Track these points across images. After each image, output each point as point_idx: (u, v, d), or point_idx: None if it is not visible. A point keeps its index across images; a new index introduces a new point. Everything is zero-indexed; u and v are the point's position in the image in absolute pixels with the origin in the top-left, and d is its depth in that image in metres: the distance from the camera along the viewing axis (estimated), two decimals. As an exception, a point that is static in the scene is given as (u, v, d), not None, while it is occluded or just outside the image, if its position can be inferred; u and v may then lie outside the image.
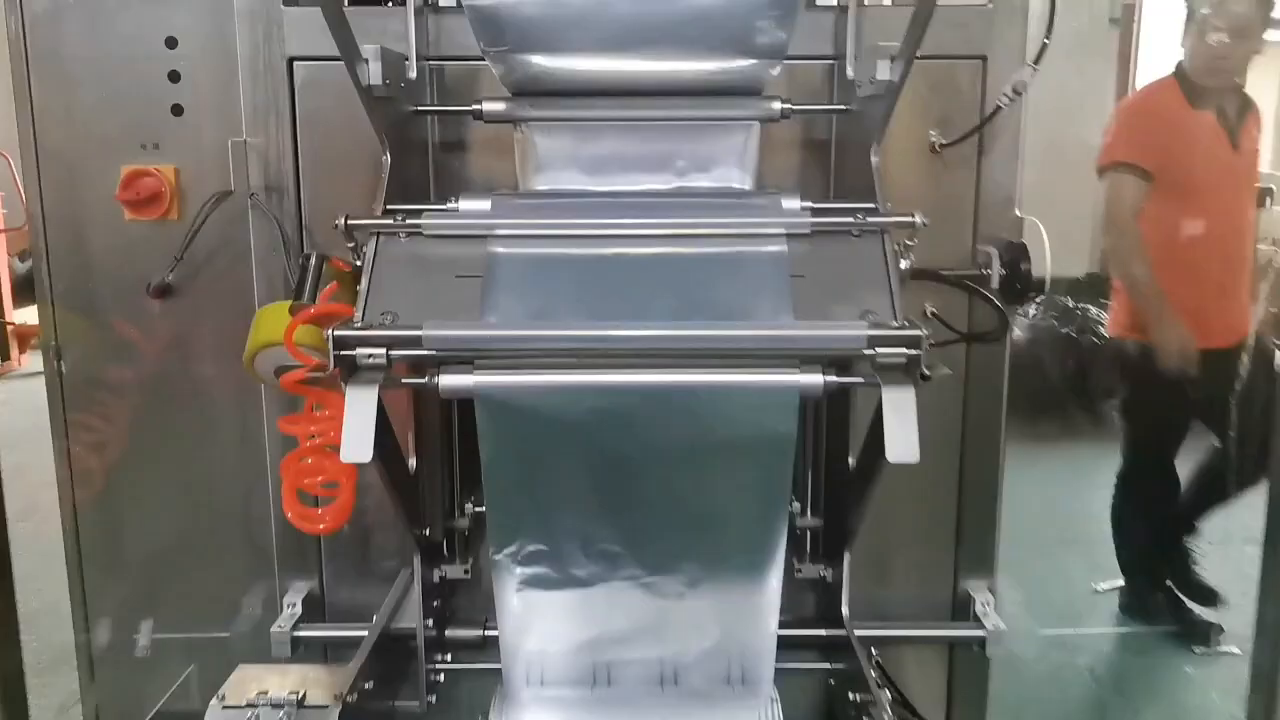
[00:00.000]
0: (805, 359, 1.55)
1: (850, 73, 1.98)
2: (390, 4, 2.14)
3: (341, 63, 1.86)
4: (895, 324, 1.52)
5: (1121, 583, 4.47)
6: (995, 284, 2.09)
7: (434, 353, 1.52)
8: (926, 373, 1.47)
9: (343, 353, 1.49)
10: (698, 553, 1.74)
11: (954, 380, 2.18)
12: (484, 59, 1.99)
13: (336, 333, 1.48)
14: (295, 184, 2.17)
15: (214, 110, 2.19)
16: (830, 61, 2.13)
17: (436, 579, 2.14)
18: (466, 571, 2.17)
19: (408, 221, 1.70)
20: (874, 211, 1.73)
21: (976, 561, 2.35)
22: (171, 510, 2.34)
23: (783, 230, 1.70)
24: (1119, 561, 4.33)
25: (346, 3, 2.26)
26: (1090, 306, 7.65)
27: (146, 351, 2.28)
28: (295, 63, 2.13)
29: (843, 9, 2.09)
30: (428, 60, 2.11)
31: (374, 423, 1.45)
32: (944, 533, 2.35)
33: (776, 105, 1.97)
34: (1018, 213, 2.18)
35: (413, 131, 2.05)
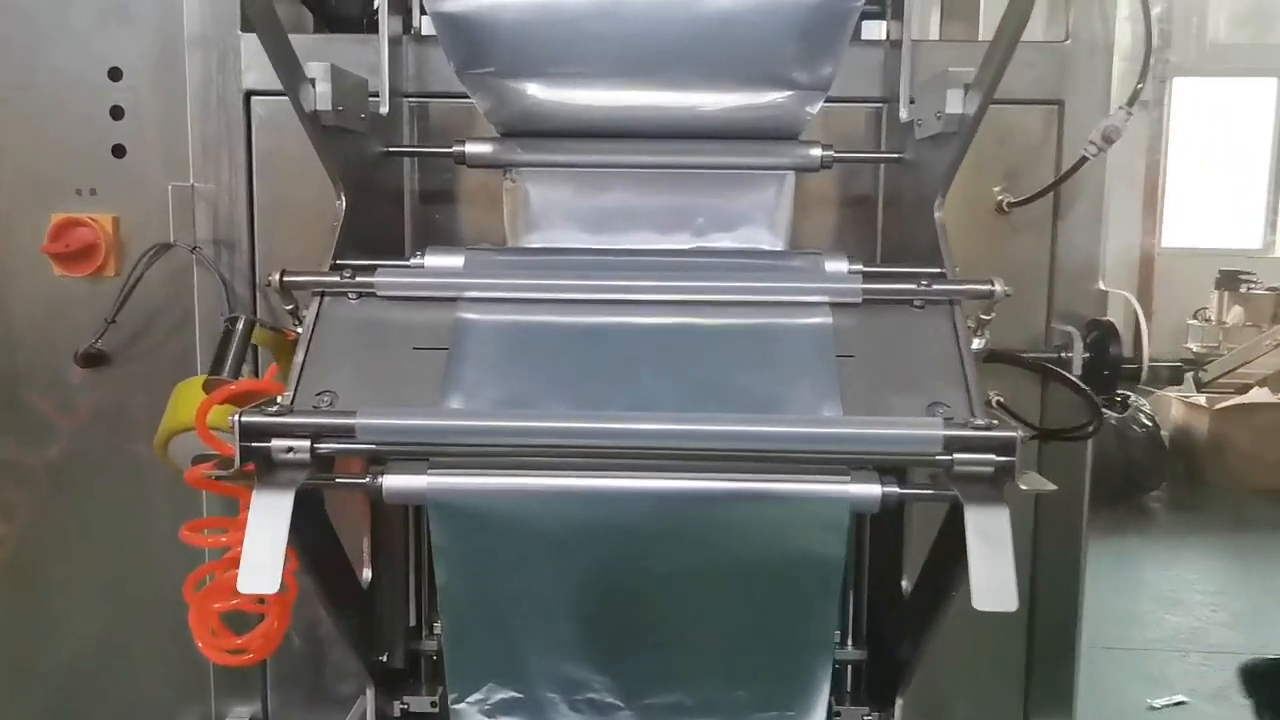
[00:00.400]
0: (857, 463, 1.19)
1: (904, 114, 1.65)
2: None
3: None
4: (979, 421, 1.16)
5: (1181, 699, 3.99)
6: (1077, 369, 1.74)
7: (373, 447, 1.17)
8: (1022, 486, 1.11)
9: (254, 444, 1.14)
10: (714, 707, 1.37)
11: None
12: (468, 97, 1.70)
13: (245, 419, 1.13)
14: (249, 236, 1.86)
15: (161, 152, 1.88)
16: (876, 105, 1.82)
17: (398, 712, 1.77)
18: (434, 704, 1.79)
19: (359, 279, 1.37)
20: (940, 277, 1.38)
21: (1050, 700, 1.96)
22: (92, 617, 1.98)
23: (826, 298, 1.36)
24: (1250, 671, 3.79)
25: (318, 30, 1.99)
26: (1130, 393, 7.25)
27: (71, 430, 1.95)
28: (253, 97, 1.83)
29: (894, 44, 1.78)
30: (406, 97, 1.81)
31: (284, 539, 1.10)
32: (1011, 663, 1.95)
33: (815, 152, 1.65)
34: (1101, 285, 1.83)
35: (383, 177, 1.73)
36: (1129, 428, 7.09)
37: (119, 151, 1.89)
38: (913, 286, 1.36)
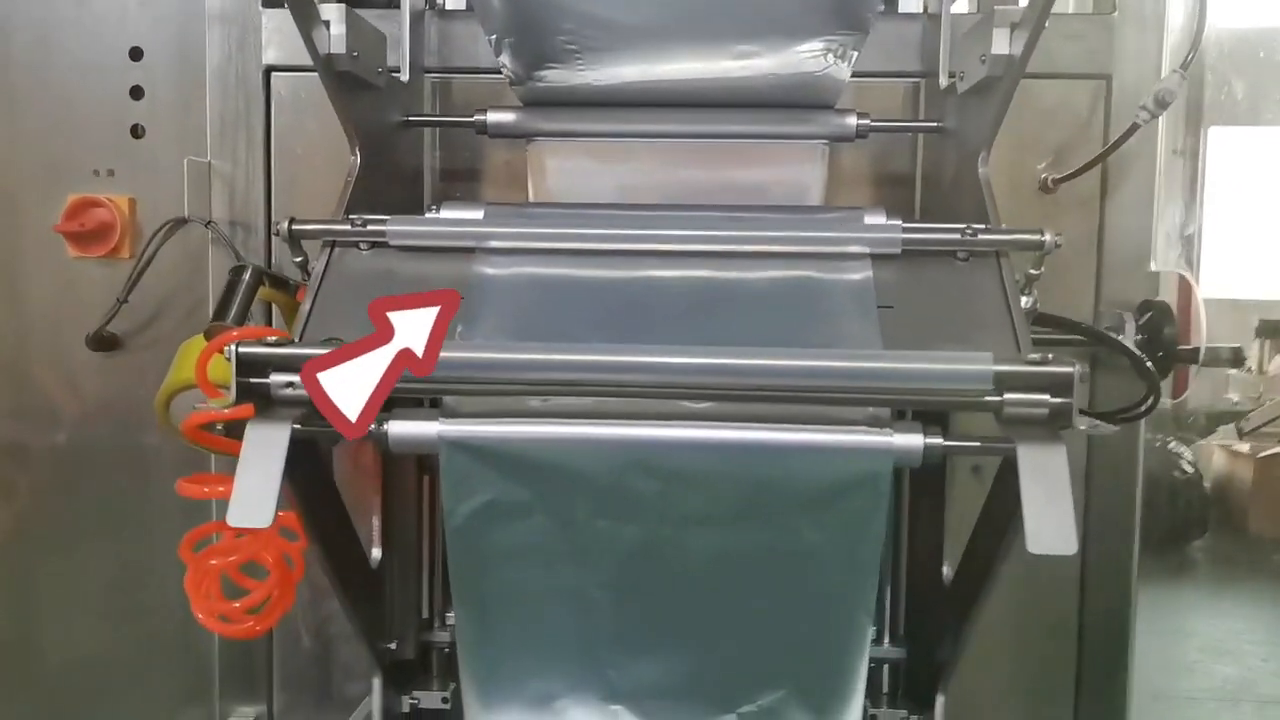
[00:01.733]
0: (897, 405, 1.10)
1: (944, 80, 1.58)
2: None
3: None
4: (1033, 355, 1.07)
5: (1237, 749, 3.78)
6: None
7: (378, 384, 1.09)
8: (1080, 427, 1.01)
9: (252, 380, 1.07)
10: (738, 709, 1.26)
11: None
12: (495, 72, 1.66)
13: (243, 349, 1.06)
14: (265, 217, 1.81)
15: (180, 131, 1.85)
16: (914, 80, 1.75)
17: (407, 708, 1.67)
18: (445, 700, 1.69)
19: (371, 228, 1.30)
20: (985, 230, 1.30)
21: None
22: (94, 612, 1.90)
23: (865, 249, 1.28)
24: None
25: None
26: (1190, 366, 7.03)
27: (78, 417, 1.89)
28: (273, 73, 1.79)
29: (931, 16, 1.72)
30: (428, 72, 1.77)
31: (279, 473, 1.02)
32: (1060, 683, 1.82)
33: (851, 121, 1.58)
34: (1153, 266, 1.74)
35: (402, 149, 1.68)
36: (1170, 475, 6.88)
37: (138, 132, 1.86)
38: (956, 236, 1.27)
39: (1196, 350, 1.60)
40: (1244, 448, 7.16)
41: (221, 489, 1.23)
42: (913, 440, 1.10)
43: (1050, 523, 0.97)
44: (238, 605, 1.31)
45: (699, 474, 1.13)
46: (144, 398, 1.86)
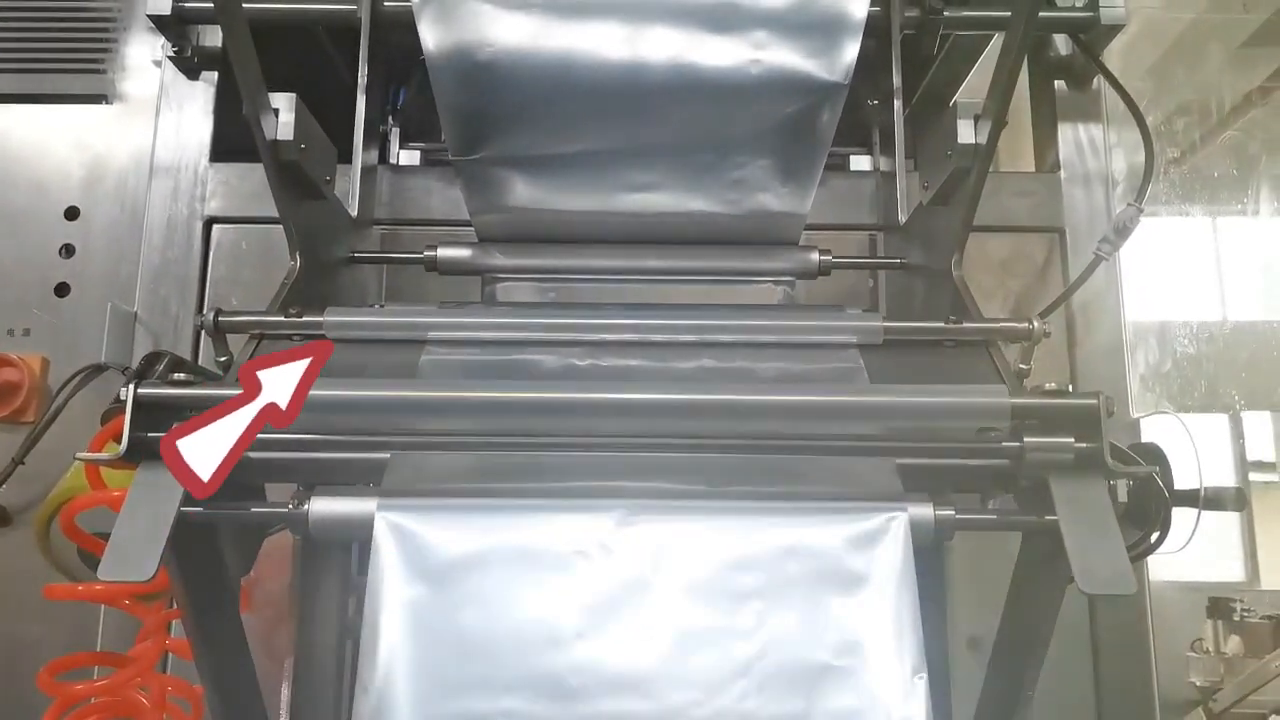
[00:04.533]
0: (904, 452, 0.97)
1: (902, 217, 1.57)
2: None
3: (268, 226, 1.55)
4: (1051, 386, 0.95)
5: None
6: (1120, 498, 1.52)
7: (301, 437, 0.93)
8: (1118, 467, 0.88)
9: (149, 434, 0.91)
10: None
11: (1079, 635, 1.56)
12: (446, 224, 1.64)
13: (141, 390, 0.90)
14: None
15: (107, 287, 1.74)
16: (871, 231, 1.75)
17: None
18: None
19: (306, 318, 1.18)
20: (969, 319, 1.22)
21: None
22: None
23: (851, 338, 1.18)
24: None
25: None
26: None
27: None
28: (214, 225, 1.73)
29: (884, 174, 1.74)
30: (378, 224, 1.72)
31: (168, 523, 0.83)
32: None
33: (813, 257, 1.55)
34: (1132, 413, 1.66)
35: (343, 286, 1.58)
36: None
37: (62, 290, 1.76)
38: (940, 325, 1.19)
39: (1196, 493, 1.49)
40: (1220, 728, 6.86)
41: (99, 588, 1.02)
42: (922, 512, 0.96)
43: (1100, 559, 0.81)
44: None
45: (685, 558, 0.96)
46: (26, 583, 1.63)
